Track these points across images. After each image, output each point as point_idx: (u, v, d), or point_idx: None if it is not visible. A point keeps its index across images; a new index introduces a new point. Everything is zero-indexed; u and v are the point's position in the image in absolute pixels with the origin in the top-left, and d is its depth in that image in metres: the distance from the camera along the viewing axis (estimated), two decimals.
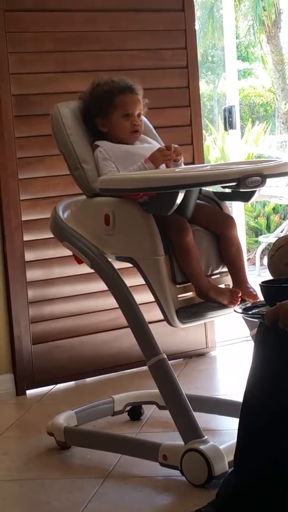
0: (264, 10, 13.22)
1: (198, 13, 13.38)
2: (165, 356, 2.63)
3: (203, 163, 4.12)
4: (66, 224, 2.81)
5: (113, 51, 3.75)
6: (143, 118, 2.91)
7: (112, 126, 2.83)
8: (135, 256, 2.67)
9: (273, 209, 7.31)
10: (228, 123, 4.59)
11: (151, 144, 2.90)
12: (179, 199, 2.55)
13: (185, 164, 2.98)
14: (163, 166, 2.75)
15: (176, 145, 2.77)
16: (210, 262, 2.77)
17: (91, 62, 3.68)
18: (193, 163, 3.88)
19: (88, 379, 3.78)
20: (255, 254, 6.31)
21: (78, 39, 3.69)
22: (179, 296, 2.68)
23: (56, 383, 3.72)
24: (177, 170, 2.72)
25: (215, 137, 8.34)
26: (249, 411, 2.07)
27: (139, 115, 2.85)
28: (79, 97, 2.90)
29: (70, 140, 2.79)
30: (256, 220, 7.28)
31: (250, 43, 14.20)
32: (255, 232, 7.22)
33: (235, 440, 2.12)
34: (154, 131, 3.03)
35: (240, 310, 2.19)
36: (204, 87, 12.83)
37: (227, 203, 2.94)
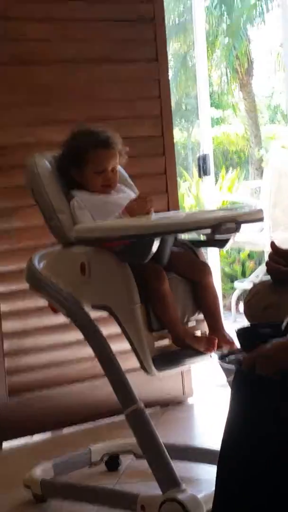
0: (237, 58, 13.44)
1: (171, 62, 13.56)
2: (142, 405, 2.63)
3: (178, 210, 4.15)
4: (41, 274, 2.82)
5: (89, 101, 3.79)
6: (119, 167, 2.93)
7: (85, 179, 2.86)
8: (111, 305, 2.68)
9: (248, 255, 7.36)
10: (203, 171, 4.63)
11: (126, 193, 2.92)
12: (154, 247, 2.57)
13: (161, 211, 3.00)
14: None
15: (149, 197, 2.79)
16: (186, 309, 2.79)
17: (67, 112, 3.70)
18: (168, 210, 3.90)
19: (65, 430, 3.76)
20: (230, 300, 6.33)
21: (53, 89, 3.73)
22: (155, 343, 2.69)
23: (32, 434, 3.69)
24: (152, 218, 2.74)
25: (190, 184, 8.41)
26: (226, 459, 2.07)
27: (113, 170, 2.87)
28: (61, 144, 2.92)
29: (46, 190, 2.81)
30: (232, 266, 7.32)
31: (223, 91, 14.39)
32: (230, 278, 7.25)
33: (213, 488, 2.12)
34: (129, 180, 3.06)
35: (217, 357, 2.20)
36: (178, 135, 12.95)
37: (203, 250, 2.97)
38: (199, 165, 4.63)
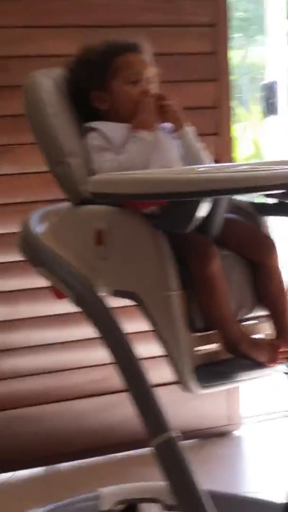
0: None
1: None
2: (178, 434, 2.63)
3: (232, 161, 4.15)
4: (42, 242, 2.83)
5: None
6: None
7: (115, 98, 2.83)
8: (138, 291, 2.68)
9: None
10: (268, 106, 4.62)
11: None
12: (202, 211, 2.57)
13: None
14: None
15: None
16: (243, 301, 2.79)
17: (79, 15, 3.72)
18: (218, 161, 3.91)
19: (63, 465, 3.79)
20: None
21: None
22: (198, 348, 2.69)
23: (17, 469, 3.73)
24: (200, 169, 2.74)
25: (245, 125, 8.40)
26: None
27: (149, 82, 2.87)
28: (65, 65, 2.92)
29: (52, 122, 2.81)
30: None
31: None
32: None
33: None
34: None
35: (283, 372, 2.21)
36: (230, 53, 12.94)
37: (268, 219, 2.97)
38: (266, 98, 4.62)
